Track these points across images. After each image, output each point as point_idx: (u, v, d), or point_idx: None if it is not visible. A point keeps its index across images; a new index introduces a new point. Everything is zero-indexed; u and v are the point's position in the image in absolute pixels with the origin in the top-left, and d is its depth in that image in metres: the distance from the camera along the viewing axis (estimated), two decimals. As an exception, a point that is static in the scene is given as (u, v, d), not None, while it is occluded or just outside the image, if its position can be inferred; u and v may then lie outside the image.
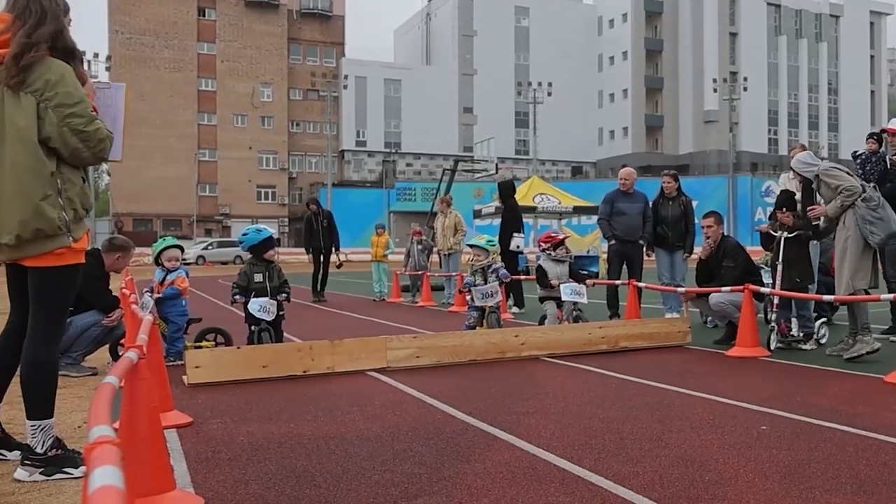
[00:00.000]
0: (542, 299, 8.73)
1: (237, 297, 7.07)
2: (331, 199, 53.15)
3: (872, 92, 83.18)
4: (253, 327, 7.06)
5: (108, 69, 59.41)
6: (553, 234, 8.97)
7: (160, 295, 7.03)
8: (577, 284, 8.37)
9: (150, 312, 6.34)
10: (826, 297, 6.72)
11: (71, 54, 3.57)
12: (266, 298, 7.00)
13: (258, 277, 7.09)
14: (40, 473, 3.56)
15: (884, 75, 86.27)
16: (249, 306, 6.96)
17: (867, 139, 8.55)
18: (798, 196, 7.61)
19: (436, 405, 5.14)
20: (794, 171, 7.17)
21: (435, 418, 4.75)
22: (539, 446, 4.00)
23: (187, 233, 61.51)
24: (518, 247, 12.57)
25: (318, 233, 15.33)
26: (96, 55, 54.88)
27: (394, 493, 3.29)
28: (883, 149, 8.35)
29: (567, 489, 3.29)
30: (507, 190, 13.19)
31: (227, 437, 4.33)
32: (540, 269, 8.68)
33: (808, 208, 6.90)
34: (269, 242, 7.25)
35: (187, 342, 7.20)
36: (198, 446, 4.14)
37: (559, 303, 8.44)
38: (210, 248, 50.11)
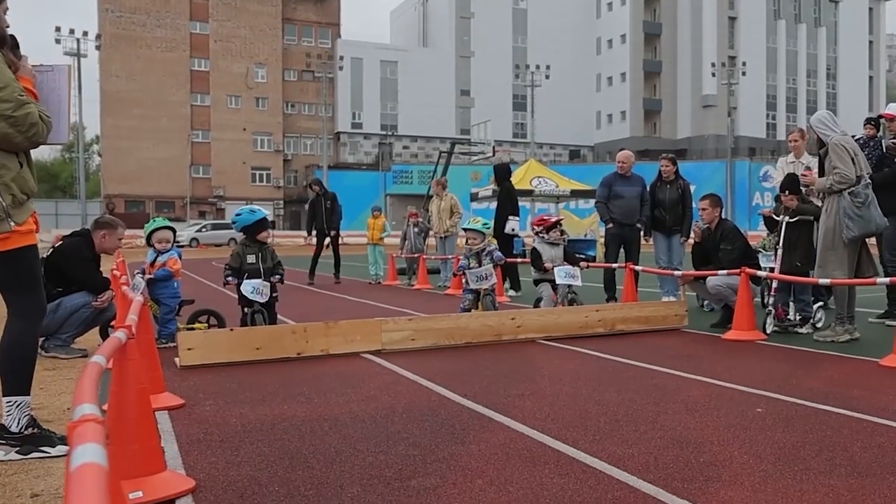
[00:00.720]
0: (536, 282, 8.67)
1: (229, 278, 6.98)
2: (326, 181, 52.68)
3: (871, 77, 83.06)
4: (246, 309, 7.00)
5: (97, 48, 59.08)
6: (546, 217, 8.91)
7: (151, 276, 6.98)
8: (571, 267, 8.30)
9: (142, 294, 6.30)
10: (822, 281, 6.69)
11: (1, 41, 3.52)
12: (259, 280, 6.92)
13: (251, 259, 7.00)
14: (16, 452, 3.55)
15: (882, 61, 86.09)
16: (242, 288, 6.89)
17: (865, 124, 8.51)
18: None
19: (431, 387, 5.11)
20: (813, 130, 6.97)
21: (430, 400, 4.73)
22: (534, 428, 3.98)
23: (180, 215, 61.35)
24: (513, 230, 12.53)
25: (321, 214, 15.22)
26: (85, 33, 54.53)
27: (387, 475, 3.27)
28: (881, 134, 8.31)
29: (562, 471, 3.27)
30: (502, 173, 13.14)
31: (219, 419, 4.31)
32: (534, 252, 8.63)
33: (802, 172, 6.83)
34: (263, 223, 7.15)
35: (179, 324, 7.16)
36: (189, 428, 4.11)
37: (553, 285, 8.39)
38: (204, 230, 49.98)
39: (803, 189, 7.43)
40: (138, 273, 7.00)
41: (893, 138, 7.79)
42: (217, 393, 5.02)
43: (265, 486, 3.16)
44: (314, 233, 15.54)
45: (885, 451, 3.48)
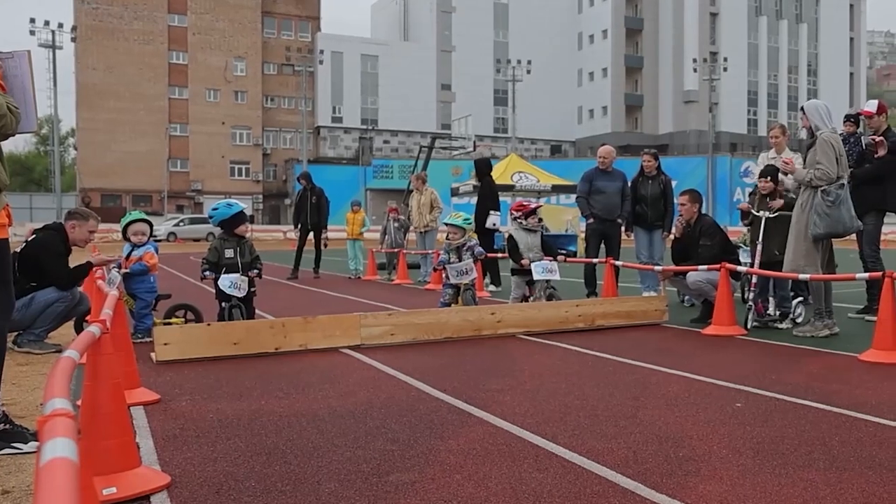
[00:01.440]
0: (513, 271, 8.60)
1: (207, 273, 6.88)
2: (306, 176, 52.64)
3: (851, 74, 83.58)
4: (223, 304, 6.93)
5: (73, 40, 58.37)
6: (525, 203, 8.81)
7: (127, 270, 6.89)
8: (548, 262, 8.21)
9: (117, 288, 6.22)
10: (802, 276, 6.72)
11: None
12: (237, 274, 6.83)
13: (229, 253, 6.90)
14: None
15: (863, 57, 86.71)
16: (220, 282, 6.81)
17: (844, 121, 8.56)
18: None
19: (410, 382, 5.09)
20: (804, 114, 6.96)
21: (409, 395, 4.70)
22: (513, 423, 3.96)
23: (158, 209, 60.76)
24: (494, 224, 12.52)
25: (306, 209, 15.16)
26: (61, 25, 53.75)
27: (365, 470, 3.24)
28: (860, 130, 8.37)
29: (541, 466, 3.26)
30: (483, 167, 13.11)
31: (195, 415, 4.26)
32: (511, 241, 8.53)
33: (784, 159, 6.84)
34: (241, 217, 7.05)
35: (156, 319, 7.08)
36: (165, 424, 4.07)
37: (529, 281, 8.34)
38: (182, 224, 49.54)
39: (780, 177, 7.47)
40: (114, 267, 6.91)
41: (873, 135, 7.85)
42: (193, 388, 4.97)
43: (242, 481, 3.13)
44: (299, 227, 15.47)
45: (864, 445, 3.49)
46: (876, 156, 6.57)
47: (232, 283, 6.79)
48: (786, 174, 6.92)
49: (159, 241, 42.80)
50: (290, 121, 69.84)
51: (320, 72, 68.83)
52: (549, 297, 8.10)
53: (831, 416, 4.03)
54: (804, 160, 6.94)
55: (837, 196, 6.55)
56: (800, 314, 7.69)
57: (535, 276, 8.10)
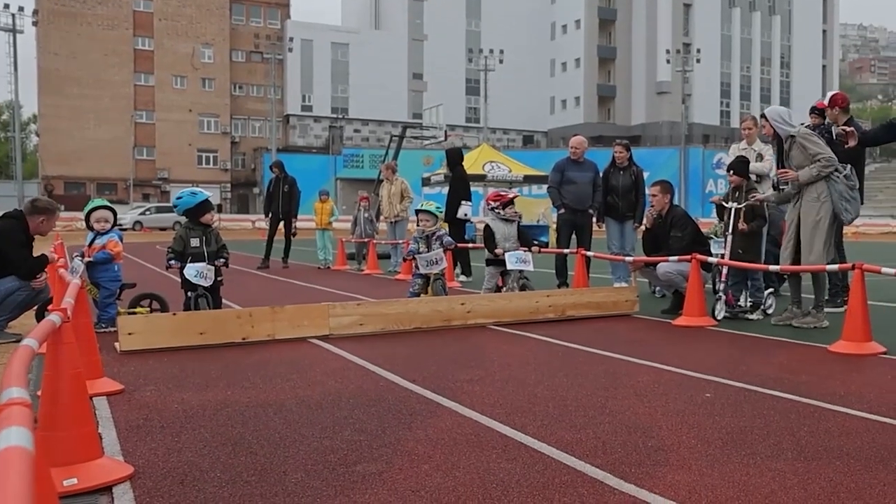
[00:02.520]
0: (488, 262, 8.55)
1: (172, 262, 6.77)
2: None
3: (824, 66, 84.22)
4: (189, 293, 6.85)
5: (34, 24, 57.24)
6: (502, 193, 8.74)
7: (91, 259, 6.76)
8: (522, 252, 8.15)
9: (80, 277, 6.11)
10: (772, 268, 6.79)
11: None
12: (203, 263, 6.75)
13: (195, 242, 6.80)
14: None
15: (836, 50, 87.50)
16: (186, 272, 6.71)
17: (810, 113, 8.65)
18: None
19: (379, 372, 5.05)
20: (767, 121, 7.00)
21: (377, 385, 4.67)
22: (482, 413, 3.95)
23: (123, 197, 59.97)
24: (466, 214, 12.49)
25: (278, 198, 15.11)
26: (21, 9, 52.66)
27: (332, 460, 3.21)
28: (827, 121, 8.46)
29: (509, 455, 3.25)
30: (454, 157, 13.07)
31: (160, 405, 4.20)
32: (487, 230, 8.46)
33: (779, 172, 6.86)
34: (206, 205, 6.95)
35: (120, 308, 6.97)
36: (129, 414, 4.00)
37: (504, 270, 8.33)
38: (148, 213, 48.87)
39: (778, 181, 7.47)
40: (77, 256, 6.78)
41: (835, 124, 7.94)
42: (158, 378, 4.89)
43: (206, 472, 3.08)
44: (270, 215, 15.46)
45: (832, 436, 3.52)
46: (846, 146, 6.61)
47: (198, 272, 6.70)
48: (787, 183, 6.88)
49: (125, 229, 42.19)
50: (258, 109, 69.22)
51: (290, 60, 68.25)
52: (522, 288, 8.06)
53: (800, 407, 4.06)
54: (778, 153, 6.99)
55: (856, 180, 6.70)
56: (770, 305, 7.76)
57: (509, 266, 8.05)
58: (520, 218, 8.63)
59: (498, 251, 8.20)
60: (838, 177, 6.64)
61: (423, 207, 8.16)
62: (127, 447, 3.41)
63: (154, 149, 65.83)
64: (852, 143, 6.31)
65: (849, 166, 6.74)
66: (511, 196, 8.60)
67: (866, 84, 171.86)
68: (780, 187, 6.95)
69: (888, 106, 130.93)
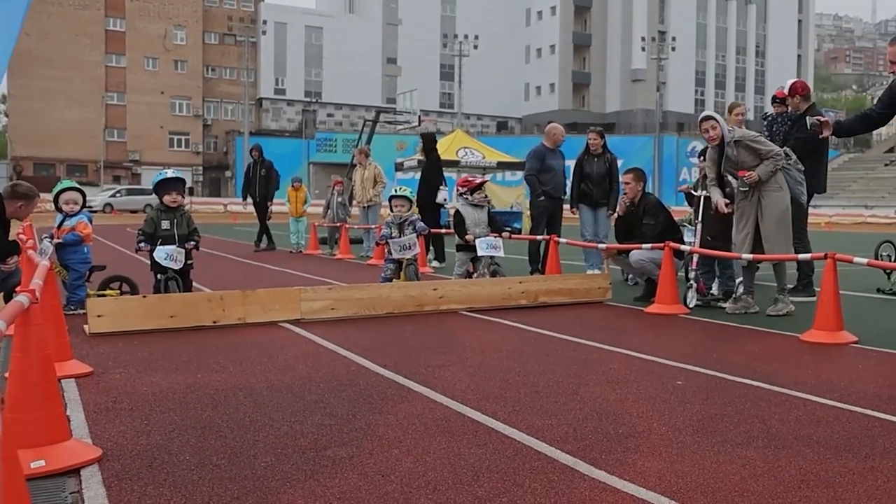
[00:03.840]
0: (458, 247, 8.50)
1: (142, 244, 6.71)
2: (247, 148, 51.86)
3: (799, 56, 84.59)
4: (159, 276, 6.78)
5: (5, 3, 56.08)
6: (471, 179, 8.69)
7: (60, 240, 6.66)
8: (493, 238, 8.11)
9: (49, 259, 6.01)
10: (745, 256, 6.83)
11: None
12: (173, 246, 6.70)
13: (165, 225, 6.77)
14: None
15: (811, 40, 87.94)
16: (155, 254, 6.66)
17: (772, 103, 8.70)
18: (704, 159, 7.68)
19: (350, 357, 5.03)
20: (719, 124, 7.03)
21: (348, 370, 4.65)
22: (453, 399, 3.95)
23: (94, 179, 59.14)
24: (445, 199, 12.49)
25: (255, 182, 15.19)
26: (-7, -12, 51.57)
27: (302, 444, 3.20)
28: (789, 110, 8.53)
29: (480, 441, 3.25)
30: (429, 142, 13.02)
31: (129, 388, 4.16)
32: (458, 216, 8.44)
33: (743, 174, 6.86)
34: (167, 184, 6.83)
35: (90, 290, 6.88)
36: (97, 396, 3.96)
37: (475, 257, 8.30)
38: (118, 195, 48.18)
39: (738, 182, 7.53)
40: (46, 237, 6.68)
41: (797, 112, 8.04)
42: (128, 361, 4.84)
43: (176, 454, 3.06)
44: (249, 200, 15.54)
45: (802, 424, 3.55)
46: (820, 136, 6.67)
47: (168, 254, 6.63)
48: (752, 182, 6.91)
49: (95, 211, 41.58)
50: (231, 92, 68.49)
51: (263, 43, 67.53)
52: (493, 274, 8.04)
53: (771, 395, 4.09)
54: (717, 160, 7.05)
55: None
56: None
57: (480, 252, 8.01)
58: (489, 203, 8.61)
59: (468, 237, 8.15)
60: (789, 164, 6.87)
61: (399, 193, 8.10)
62: (95, 430, 3.38)
63: (125, 131, 64.91)
64: (826, 133, 6.34)
65: (791, 152, 7.00)
66: (479, 181, 8.56)
67: (841, 74, 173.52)
68: (742, 189, 6.97)
69: (863, 96, 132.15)
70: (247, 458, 3.02)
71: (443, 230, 12.27)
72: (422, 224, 8.17)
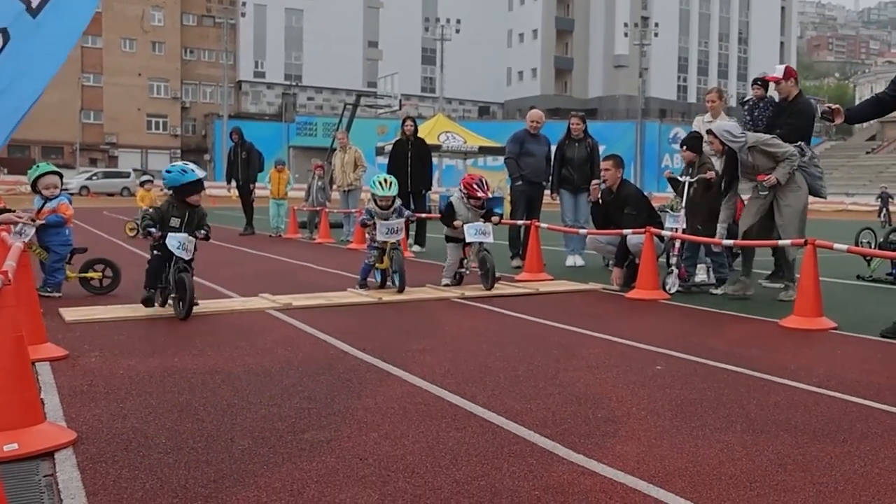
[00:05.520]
0: (447, 238, 8.03)
1: (152, 229, 5.83)
2: (226, 131, 51.39)
3: (782, 43, 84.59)
4: (168, 265, 5.89)
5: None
6: (476, 189, 7.83)
7: (44, 221, 6.55)
8: (482, 224, 7.73)
9: (30, 240, 5.95)
10: (726, 242, 6.87)
11: None
12: (185, 234, 5.88)
13: (174, 223, 5.92)
14: None
15: (794, 27, 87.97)
16: (168, 241, 5.78)
17: (752, 85, 8.70)
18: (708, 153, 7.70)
19: (329, 341, 5.01)
20: (716, 138, 6.97)
21: (328, 354, 4.63)
22: (433, 383, 3.93)
23: (69, 161, 58.38)
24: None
25: (237, 165, 15.14)
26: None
27: (280, 428, 3.17)
28: (768, 94, 8.54)
29: (458, 425, 3.25)
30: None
31: (105, 371, 4.11)
32: (449, 207, 7.98)
33: (761, 177, 6.84)
34: (194, 187, 5.99)
35: (70, 273, 6.80)
36: (72, 380, 3.92)
37: (464, 245, 7.93)
38: (95, 178, 47.64)
39: (704, 147, 7.59)
40: (25, 222, 6.54)
41: (787, 97, 8.06)
42: (104, 345, 4.79)
43: (152, 438, 3.04)
44: (233, 183, 15.55)
45: (781, 409, 3.57)
46: (833, 123, 6.64)
47: (181, 243, 5.81)
48: (771, 186, 6.91)
49: (72, 194, 41.09)
50: (210, 74, 67.74)
51: (242, 24, 66.81)
52: (483, 261, 7.68)
53: (750, 380, 4.12)
54: (728, 161, 7.04)
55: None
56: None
57: (468, 239, 7.66)
58: (484, 210, 7.96)
59: (456, 223, 7.84)
60: (805, 161, 6.90)
61: (385, 192, 7.52)
62: (70, 413, 3.34)
63: (102, 113, 64.05)
64: (839, 120, 6.27)
65: (808, 146, 7.03)
66: (481, 196, 7.86)
67: (824, 62, 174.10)
68: (762, 192, 6.97)
69: (845, 84, 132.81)
70: (224, 442, 2.99)
71: (424, 215, 12.19)
72: (408, 212, 7.96)
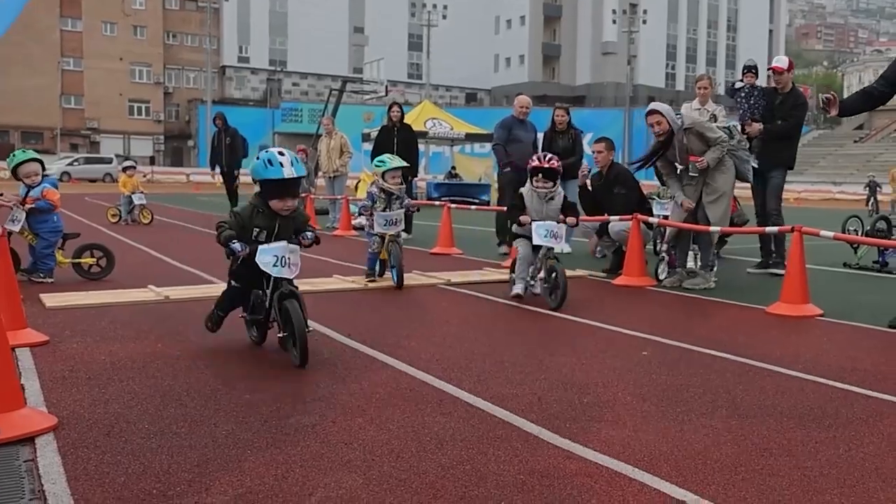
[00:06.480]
0: (514, 234, 6.63)
1: (236, 244, 4.05)
2: (210, 116, 50.99)
3: (771, 31, 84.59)
4: (260, 291, 4.27)
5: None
6: (540, 159, 6.34)
7: (33, 205, 6.46)
8: (553, 224, 6.10)
9: (21, 226, 5.89)
10: (713, 229, 6.87)
11: None
12: (283, 244, 4.13)
13: (260, 237, 4.19)
14: None
15: (782, 15, 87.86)
16: (258, 259, 4.05)
17: (744, 72, 8.68)
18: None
19: (315, 326, 4.96)
20: (664, 116, 6.86)
21: (313, 339, 4.56)
22: (419, 369, 3.92)
23: (50, 147, 57.75)
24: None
25: (220, 151, 15.09)
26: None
27: (264, 412, 3.16)
28: (759, 82, 8.54)
29: (444, 410, 3.24)
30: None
31: (86, 357, 4.07)
32: (518, 197, 6.50)
33: (694, 159, 6.84)
34: (278, 189, 4.11)
35: (62, 259, 6.73)
36: (53, 365, 3.88)
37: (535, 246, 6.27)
38: (76, 164, 47.19)
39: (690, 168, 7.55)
40: (15, 205, 6.45)
41: (780, 89, 8.07)
42: (85, 330, 4.74)
43: (134, 423, 3.01)
44: (217, 169, 15.46)
45: (767, 394, 3.58)
46: (828, 115, 6.61)
47: (278, 257, 4.08)
48: (703, 168, 6.90)
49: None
50: (193, 59, 67.10)
51: (226, 8, 66.14)
52: (550, 271, 6.03)
53: (736, 366, 4.13)
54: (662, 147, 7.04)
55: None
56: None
57: (535, 241, 6.08)
58: (562, 197, 6.43)
59: (524, 218, 6.20)
60: (734, 145, 6.95)
61: (396, 164, 7.00)
62: (51, 398, 3.31)
63: (83, 98, 63.30)
64: (833, 112, 6.23)
65: (736, 130, 7.21)
66: (547, 164, 6.24)
67: (812, 50, 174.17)
68: (692, 174, 6.97)
69: (833, 73, 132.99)
70: (207, 426, 2.97)
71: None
72: (409, 201, 7.39)
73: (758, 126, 7.77)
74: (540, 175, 6.22)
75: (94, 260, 6.91)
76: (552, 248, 6.18)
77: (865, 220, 10.84)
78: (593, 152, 8.25)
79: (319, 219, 14.73)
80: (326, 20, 70.04)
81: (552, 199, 6.27)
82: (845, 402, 3.47)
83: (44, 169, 6.81)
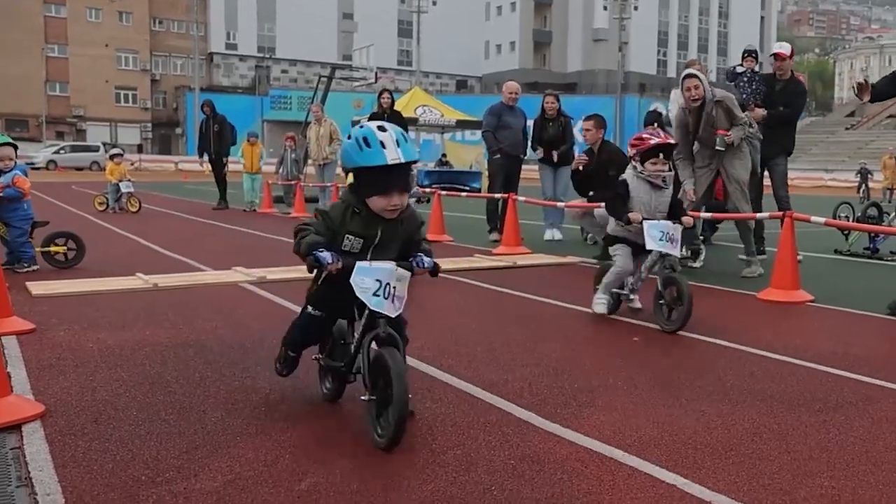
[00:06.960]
0: (611, 239, 5.20)
1: (323, 255, 2.79)
2: (198, 104, 50.69)
3: (762, 18, 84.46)
4: (346, 330, 3.19)
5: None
6: (646, 137, 4.98)
7: (1, 194, 6.39)
8: (669, 224, 4.83)
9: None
10: (704, 215, 6.87)
11: None
12: (390, 265, 2.93)
13: (354, 244, 2.96)
14: None
15: (774, 1, 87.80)
16: (354, 280, 2.83)
17: (745, 57, 8.65)
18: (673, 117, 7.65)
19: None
20: (699, 82, 6.88)
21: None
22: (409, 355, 3.86)
23: (35, 134, 57.27)
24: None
25: (209, 138, 15.05)
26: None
27: (254, 400, 3.15)
28: (758, 69, 8.54)
29: (434, 396, 3.23)
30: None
31: (74, 345, 4.04)
32: (621, 187, 5.01)
33: (721, 132, 6.75)
34: (380, 180, 2.85)
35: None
36: (40, 353, 3.85)
37: (637, 249, 4.96)
38: (63, 152, 46.87)
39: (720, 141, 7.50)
40: None
41: (780, 76, 8.06)
42: (73, 318, 4.70)
43: (122, 410, 2.99)
44: (205, 157, 15.44)
45: (757, 379, 3.59)
46: (862, 101, 6.57)
47: (381, 284, 2.90)
48: (731, 143, 6.84)
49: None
50: (180, 46, 66.54)
51: (214, -6, 65.66)
52: (668, 282, 4.78)
53: (727, 352, 4.14)
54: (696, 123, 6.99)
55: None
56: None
57: (648, 245, 4.78)
58: (668, 185, 4.99)
59: (633, 215, 4.82)
60: (752, 133, 6.99)
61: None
62: (38, 386, 3.29)
63: (68, 85, 62.72)
64: (866, 98, 6.18)
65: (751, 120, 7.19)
66: (656, 141, 4.86)
67: (804, 37, 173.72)
68: (719, 148, 6.92)
69: (825, 60, 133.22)
70: (197, 414, 2.96)
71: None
72: (417, 189, 7.25)
73: (761, 111, 7.78)
74: (661, 155, 4.85)
75: (64, 248, 6.84)
76: (669, 256, 4.91)
77: (857, 206, 10.87)
78: (584, 129, 8.20)
79: (310, 207, 14.67)
80: (315, 6, 69.55)
81: (663, 189, 4.95)
82: (835, 387, 3.48)
83: (16, 153, 6.69)
